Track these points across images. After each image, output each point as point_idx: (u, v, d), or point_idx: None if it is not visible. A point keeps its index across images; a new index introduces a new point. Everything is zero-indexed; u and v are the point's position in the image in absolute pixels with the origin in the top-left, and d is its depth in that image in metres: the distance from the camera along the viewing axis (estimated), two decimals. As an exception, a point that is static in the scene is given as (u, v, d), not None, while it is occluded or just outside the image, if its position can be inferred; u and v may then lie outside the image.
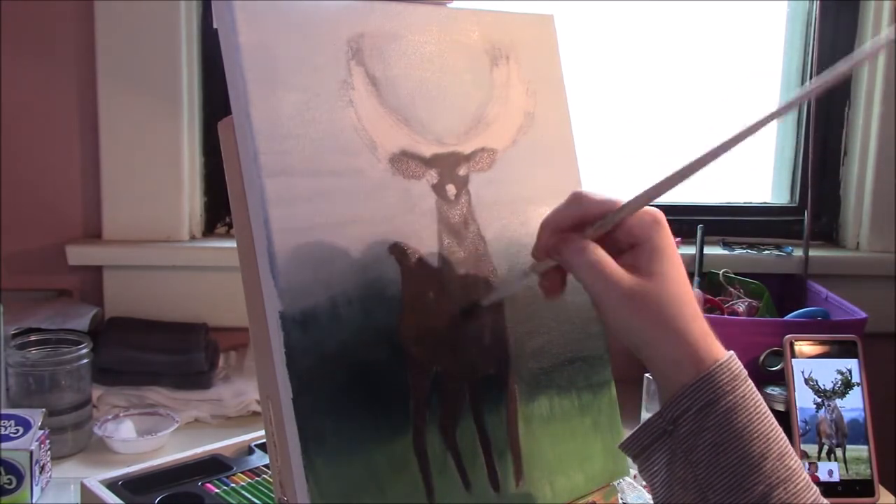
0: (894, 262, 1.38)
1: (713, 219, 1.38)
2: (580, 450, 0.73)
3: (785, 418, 0.97)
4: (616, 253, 0.59)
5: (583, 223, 0.60)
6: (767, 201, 1.50)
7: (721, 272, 1.27)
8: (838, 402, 1.00)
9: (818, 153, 1.42)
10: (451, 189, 0.66)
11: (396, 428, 0.60)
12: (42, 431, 0.92)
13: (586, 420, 0.74)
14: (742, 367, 0.58)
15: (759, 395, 0.58)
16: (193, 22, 1.28)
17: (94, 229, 1.30)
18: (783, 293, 1.30)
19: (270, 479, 0.79)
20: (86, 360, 1.05)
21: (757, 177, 1.50)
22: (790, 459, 0.56)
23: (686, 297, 0.58)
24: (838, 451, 0.98)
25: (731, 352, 0.59)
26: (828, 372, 1.01)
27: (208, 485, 0.82)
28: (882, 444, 1.01)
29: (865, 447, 0.98)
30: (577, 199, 0.60)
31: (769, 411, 0.58)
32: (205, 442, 0.89)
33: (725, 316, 1.18)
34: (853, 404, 1.00)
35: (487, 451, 0.66)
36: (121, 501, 0.77)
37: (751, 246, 1.41)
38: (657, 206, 0.60)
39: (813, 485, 0.57)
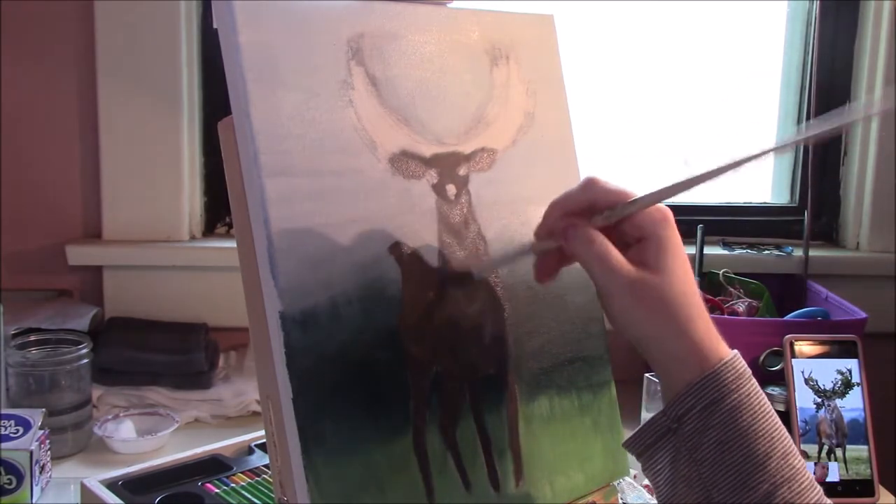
0: (894, 262, 1.38)
1: (713, 219, 1.38)
2: (580, 450, 0.73)
3: (785, 418, 0.96)
4: (623, 247, 0.59)
5: (592, 210, 0.60)
6: (767, 201, 1.50)
7: (721, 272, 1.26)
8: (838, 402, 1.00)
9: (818, 153, 1.42)
10: (451, 189, 0.66)
11: (396, 428, 0.60)
12: (42, 431, 0.92)
13: (586, 420, 0.74)
14: (746, 365, 0.58)
15: (763, 394, 0.58)
16: (193, 22, 1.28)
17: (94, 229, 1.30)
18: (783, 293, 1.30)
19: (270, 479, 0.79)
20: (86, 360, 1.05)
21: (757, 177, 1.50)
22: (794, 458, 0.56)
23: (691, 294, 0.58)
24: (838, 451, 0.98)
25: (735, 350, 0.59)
26: (828, 372, 1.01)
27: (208, 485, 0.82)
28: (882, 444, 1.01)
29: (865, 447, 0.98)
30: (591, 184, 0.60)
31: (773, 410, 0.58)
32: (205, 442, 0.89)
33: (725, 316, 1.18)
34: (853, 404, 1.00)
35: (487, 450, 0.66)
36: (121, 501, 0.77)
37: (751, 246, 1.40)
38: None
39: (816, 484, 0.57)
